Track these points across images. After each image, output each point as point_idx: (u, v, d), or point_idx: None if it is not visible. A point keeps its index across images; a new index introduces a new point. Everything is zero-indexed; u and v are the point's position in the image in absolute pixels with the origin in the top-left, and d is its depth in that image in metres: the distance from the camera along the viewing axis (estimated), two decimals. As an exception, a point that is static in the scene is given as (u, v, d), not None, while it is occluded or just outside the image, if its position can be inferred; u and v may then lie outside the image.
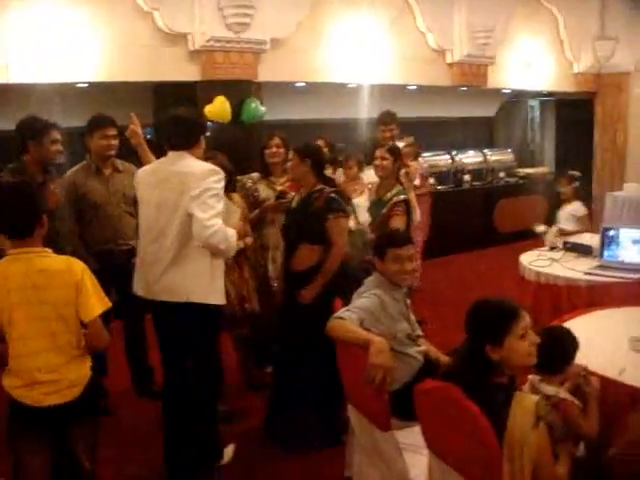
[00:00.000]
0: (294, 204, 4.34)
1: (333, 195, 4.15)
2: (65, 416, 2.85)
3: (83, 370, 2.90)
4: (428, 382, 2.61)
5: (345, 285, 3.98)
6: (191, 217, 3.47)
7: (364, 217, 5.00)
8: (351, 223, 4.55)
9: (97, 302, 2.87)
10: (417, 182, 6.33)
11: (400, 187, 4.96)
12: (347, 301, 3.50)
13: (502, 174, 10.63)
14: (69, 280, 2.81)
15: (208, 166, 3.63)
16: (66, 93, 6.44)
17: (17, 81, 5.89)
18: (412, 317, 3.52)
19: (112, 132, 4.70)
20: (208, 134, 3.96)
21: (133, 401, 4.93)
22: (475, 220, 9.72)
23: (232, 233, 3.62)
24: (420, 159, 6.35)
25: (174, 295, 3.59)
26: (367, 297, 3.29)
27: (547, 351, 2.78)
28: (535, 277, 5.16)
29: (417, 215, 5.35)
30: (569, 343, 2.98)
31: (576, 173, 7.25)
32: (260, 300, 4.79)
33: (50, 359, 2.80)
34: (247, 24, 6.75)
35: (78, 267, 2.87)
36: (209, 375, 3.88)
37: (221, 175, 3.60)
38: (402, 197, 4.82)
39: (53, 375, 2.79)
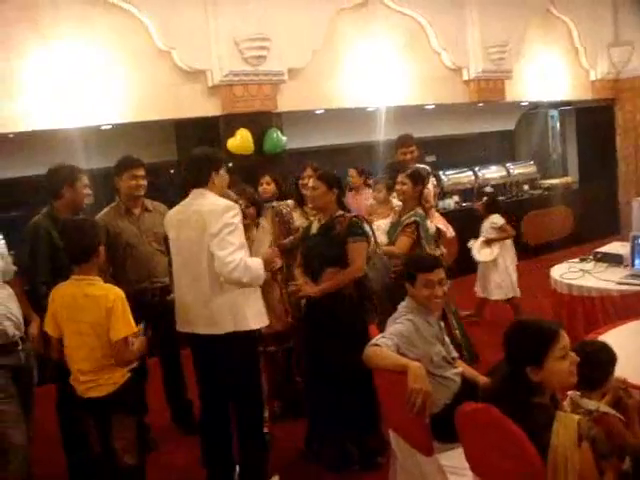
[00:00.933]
0: (314, 230, 4.39)
1: (355, 219, 4.26)
2: (105, 408, 3.45)
3: (117, 374, 3.45)
4: (468, 404, 2.62)
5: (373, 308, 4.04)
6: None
7: (382, 239, 5.05)
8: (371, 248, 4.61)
9: (123, 326, 3.37)
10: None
11: (420, 210, 5.08)
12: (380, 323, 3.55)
13: (526, 187, 10.60)
14: (103, 305, 3.35)
15: (224, 203, 3.73)
16: (90, 136, 6.58)
17: (38, 128, 6.03)
18: (447, 340, 3.53)
19: (140, 172, 4.78)
20: (230, 165, 4.00)
21: (174, 437, 4.96)
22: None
23: (257, 263, 3.72)
24: (431, 184, 6.38)
25: (218, 327, 3.71)
26: (401, 322, 3.31)
27: (585, 366, 2.78)
28: (567, 290, 5.13)
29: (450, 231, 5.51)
30: (606, 357, 2.97)
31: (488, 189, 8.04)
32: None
33: (86, 366, 3.43)
34: (264, 57, 6.85)
35: (113, 295, 3.39)
36: (258, 402, 4.00)
37: (236, 210, 3.71)
38: (413, 219, 4.96)
39: (89, 376, 3.43)
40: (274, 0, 6.92)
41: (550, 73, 10.05)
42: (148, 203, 4.91)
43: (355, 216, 4.32)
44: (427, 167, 6.91)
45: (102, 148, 6.79)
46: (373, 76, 7.98)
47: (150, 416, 4.61)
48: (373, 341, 3.20)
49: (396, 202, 5.60)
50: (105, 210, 4.86)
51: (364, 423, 4.11)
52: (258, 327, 3.84)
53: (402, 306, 3.45)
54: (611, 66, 10.63)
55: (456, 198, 9.58)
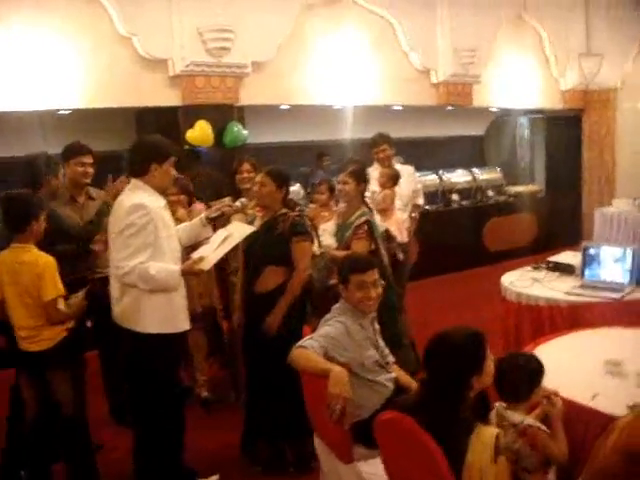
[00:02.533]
0: (256, 227, 4.28)
1: (298, 219, 4.19)
2: (44, 361, 3.78)
3: (55, 331, 3.79)
4: (385, 413, 2.56)
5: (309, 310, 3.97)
6: None
7: (330, 242, 4.93)
8: (314, 247, 4.52)
9: (52, 289, 3.72)
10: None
11: (365, 209, 4.91)
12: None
13: (491, 193, 10.58)
14: (34, 270, 3.72)
15: (133, 201, 3.55)
16: (47, 120, 6.45)
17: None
18: (381, 343, 3.44)
19: (88, 160, 4.69)
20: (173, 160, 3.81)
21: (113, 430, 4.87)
22: (465, 239, 9.63)
23: (166, 272, 3.56)
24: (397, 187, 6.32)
25: (130, 323, 3.66)
26: (331, 325, 3.23)
27: (511, 378, 2.74)
28: (516, 298, 5.06)
29: (403, 236, 5.53)
30: (533, 369, 2.91)
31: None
32: None
33: (26, 322, 3.77)
34: (227, 48, 6.75)
35: (42, 261, 3.75)
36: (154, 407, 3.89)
37: (145, 210, 3.50)
38: (363, 219, 4.78)
39: (30, 332, 3.77)
40: (240, -9, 6.84)
41: (520, 80, 10.04)
42: (92, 191, 4.80)
43: (298, 215, 4.23)
44: (409, 167, 6.88)
45: (60, 133, 6.63)
46: (340, 74, 7.91)
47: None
48: (300, 342, 3.12)
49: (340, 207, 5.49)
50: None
51: (299, 426, 4.01)
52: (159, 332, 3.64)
53: (335, 308, 3.37)
54: (581, 76, 10.64)
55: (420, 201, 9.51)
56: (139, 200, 3.53)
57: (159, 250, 3.55)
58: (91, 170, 4.73)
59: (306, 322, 3.93)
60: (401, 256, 5.87)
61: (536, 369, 2.90)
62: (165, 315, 3.64)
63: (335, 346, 3.13)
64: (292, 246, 4.11)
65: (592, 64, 10.41)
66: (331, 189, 5.44)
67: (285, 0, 7.24)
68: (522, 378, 2.84)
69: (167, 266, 3.58)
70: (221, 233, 3.91)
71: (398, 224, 5.99)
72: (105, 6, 6.31)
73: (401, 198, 6.36)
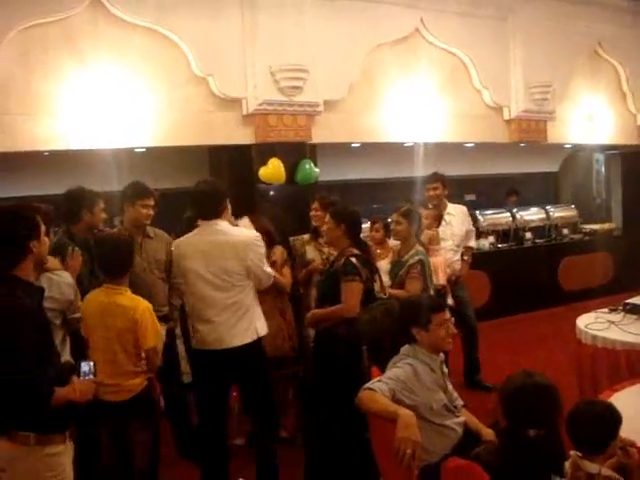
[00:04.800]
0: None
1: (351, 258, 4.20)
2: (124, 412, 3.73)
3: (136, 382, 3.75)
4: (453, 459, 2.50)
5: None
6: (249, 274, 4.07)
7: (384, 279, 4.89)
8: (376, 288, 4.50)
9: (152, 336, 3.71)
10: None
11: (419, 248, 4.94)
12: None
13: (566, 231, 10.35)
14: (131, 315, 3.68)
15: (252, 233, 4.23)
16: (124, 158, 6.63)
17: (77, 147, 6.09)
18: (450, 387, 3.39)
19: (152, 202, 4.88)
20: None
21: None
22: (538, 279, 9.42)
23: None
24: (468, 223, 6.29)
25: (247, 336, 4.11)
26: (400, 367, 3.20)
27: (588, 428, 2.64)
28: (592, 341, 4.92)
29: (438, 278, 5.35)
30: (611, 419, 2.79)
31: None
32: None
33: (109, 369, 3.63)
34: (300, 87, 6.83)
35: (142, 306, 3.73)
36: None
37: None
38: (417, 258, 4.81)
39: (110, 380, 3.62)
40: (312, 30, 6.92)
41: (595, 116, 9.83)
42: (150, 230, 4.94)
43: (354, 254, 4.22)
44: (463, 206, 6.82)
45: (135, 170, 6.82)
46: (412, 111, 7.89)
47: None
48: (368, 384, 3.10)
49: (392, 242, 5.47)
50: None
51: (366, 471, 3.95)
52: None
53: (403, 349, 3.34)
54: (658, 112, 10.38)
55: (492, 239, 9.40)
56: (252, 232, 4.24)
57: None
58: (152, 212, 4.90)
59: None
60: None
61: (614, 420, 2.78)
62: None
63: (403, 389, 3.10)
64: (341, 286, 4.14)
65: (670, 99, 10.14)
66: (386, 227, 5.46)
67: (356, 39, 7.31)
68: (599, 429, 2.73)
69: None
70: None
71: (441, 266, 5.88)
72: (181, 47, 6.48)
73: (453, 238, 6.33)
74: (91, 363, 3.10)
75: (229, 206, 4.21)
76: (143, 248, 4.82)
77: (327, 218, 4.34)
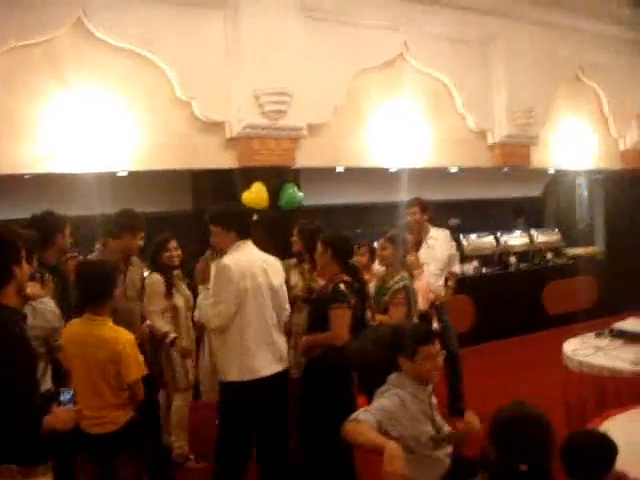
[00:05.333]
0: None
1: (340, 285, 4.19)
2: (109, 445, 3.60)
3: (120, 413, 3.63)
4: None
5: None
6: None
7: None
8: (368, 314, 4.45)
9: (135, 368, 3.59)
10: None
11: (405, 274, 4.90)
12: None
13: (550, 255, 10.37)
14: (113, 347, 3.55)
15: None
16: (107, 181, 6.56)
17: (59, 171, 6.05)
18: (438, 417, 3.31)
19: (142, 234, 4.81)
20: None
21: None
22: (523, 303, 9.39)
23: None
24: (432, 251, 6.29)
25: (285, 363, 4.27)
26: (387, 397, 3.12)
27: (583, 459, 2.58)
28: (578, 367, 4.88)
29: (420, 304, 5.26)
30: (607, 450, 2.72)
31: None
32: None
33: (91, 401, 3.53)
34: (283, 111, 6.81)
35: (123, 338, 3.61)
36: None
37: None
38: (402, 284, 4.75)
39: (93, 413, 3.51)
40: (296, 54, 6.93)
41: (578, 140, 9.89)
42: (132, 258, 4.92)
43: (343, 281, 4.20)
44: (446, 230, 6.78)
45: (117, 194, 6.76)
46: (396, 136, 7.89)
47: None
48: (354, 415, 3.01)
49: (377, 267, 5.43)
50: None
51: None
52: None
53: (390, 379, 3.26)
54: (640, 136, 10.48)
55: (475, 263, 9.38)
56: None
57: None
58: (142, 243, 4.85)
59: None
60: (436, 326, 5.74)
61: (610, 451, 2.72)
62: None
63: (390, 420, 3.02)
64: (329, 313, 4.11)
65: (652, 124, 10.25)
66: (372, 251, 5.42)
67: (340, 63, 7.31)
68: (595, 460, 2.67)
69: None
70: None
71: (422, 291, 5.83)
72: (164, 71, 6.46)
73: (436, 263, 6.26)
74: (72, 391, 3.04)
75: None
76: (127, 276, 4.76)
77: (318, 244, 4.32)
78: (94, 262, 4.12)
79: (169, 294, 5.06)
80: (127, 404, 3.68)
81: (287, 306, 4.37)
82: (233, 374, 4.06)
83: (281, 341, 4.24)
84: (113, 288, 3.71)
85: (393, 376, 3.29)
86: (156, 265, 5.13)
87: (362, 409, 3.10)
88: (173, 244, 5.23)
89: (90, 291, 3.67)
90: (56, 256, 4.44)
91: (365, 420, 2.94)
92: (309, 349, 4.29)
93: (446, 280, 6.48)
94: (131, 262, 4.84)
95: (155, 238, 5.21)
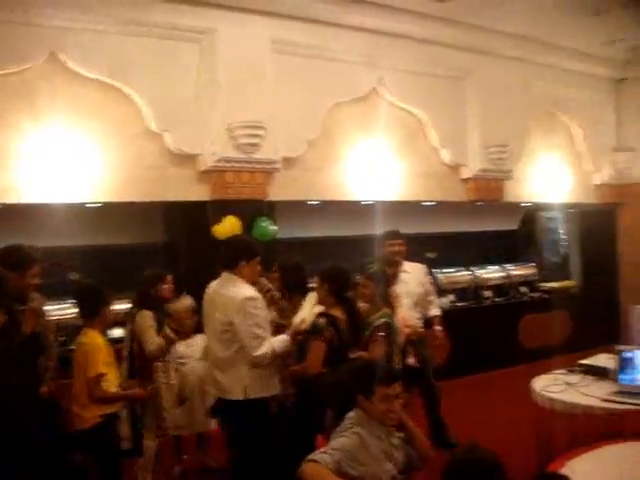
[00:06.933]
0: None
1: (319, 319, 4.32)
2: (84, 440, 4.26)
3: (92, 413, 4.25)
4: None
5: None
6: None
7: None
8: None
9: (96, 365, 4.23)
10: None
11: (387, 310, 4.86)
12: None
13: (525, 289, 10.36)
14: (84, 349, 4.30)
15: (245, 293, 4.37)
16: (77, 213, 6.49)
17: (27, 201, 5.98)
18: (399, 458, 3.23)
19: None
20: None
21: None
22: (498, 337, 9.35)
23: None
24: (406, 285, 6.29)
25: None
26: (347, 436, 3.04)
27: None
28: (549, 404, 4.83)
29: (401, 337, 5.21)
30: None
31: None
32: None
33: (76, 399, 4.31)
34: (257, 145, 6.79)
35: (94, 340, 4.36)
36: None
37: (256, 300, 4.44)
38: (383, 320, 4.70)
39: (76, 410, 4.28)
40: (271, 87, 6.95)
41: (552, 175, 9.96)
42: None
43: (323, 314, 4.28)
44: (420, 265, 6.76)
45: (88, 226, 6.73)
46: (370, 169, 7.90)
47: None
48: (312, 455, 2.93)
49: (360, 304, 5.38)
50: None
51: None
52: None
53: (349, 417, 3.19)
54: (614, 171, 10.57)
55: (451, 297, 9.36)
56: (245, 293, 4.37)
57: None
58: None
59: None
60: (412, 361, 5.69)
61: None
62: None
63: (350, 459, 2.94)
64: (308, 344, 4.27)
65: (625, 158, 10.36)
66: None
67: (315, 97, 7.33)
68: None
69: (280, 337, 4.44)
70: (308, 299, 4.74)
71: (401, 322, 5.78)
72: (137, 103, 6.43)
73: (410, 296, 6.22)
74: None
75: (255, 266, 4.56)
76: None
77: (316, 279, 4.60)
78: (86, 283, 5.19)
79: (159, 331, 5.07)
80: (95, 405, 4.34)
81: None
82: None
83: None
84: (102, 306, 4.53)
85: (352, 414, 3.21)
86: (146, 300, 5.22)
87: (321, 449, 3.02)
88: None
89: (83, 309, 4.61)
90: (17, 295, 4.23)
91: (323, 461, 2.86)
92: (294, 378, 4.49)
93: (431, 324, 6.45)
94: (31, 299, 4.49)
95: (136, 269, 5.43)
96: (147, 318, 5.09)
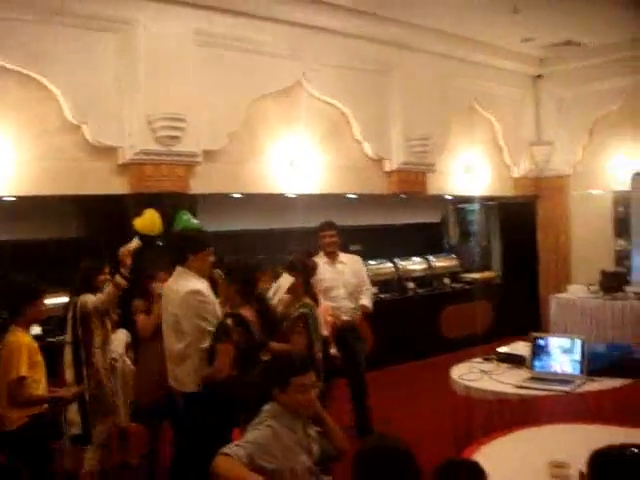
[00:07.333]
0: None
1: (225, 319, 4.26)
2: (10, 442, 4.07)
3: (17, 414, 4.05)
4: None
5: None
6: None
7: None
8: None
9: (20, 368, 4.02)
10: None
11: (307, 301, 4.90)
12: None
13: (447, 280, 10.56)
14: (10, 349, 4.09)
15: (190, 287, 4.32)
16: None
17: None
18: (315, 449, 3.24)
19: None
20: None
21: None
22: (421, 328, 9.52)
23: None
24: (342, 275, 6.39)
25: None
26: (260, 429, 3.02)
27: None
28: (465, 391, 4.93)
29: (323, 329, 5.25)
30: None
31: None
32: None
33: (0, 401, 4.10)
34: (178, 137, 6.71)
35: (19, 341, 4.12)
36: None
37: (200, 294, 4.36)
38: (300, 311, 4.75)
39: (1, 411, 4.08)
40: (193, 80, 6.87)
41: (474, 168, 10.16)
42: None
43: (230, 314, 4.26)
44: (356, 256, 6.84)
45: (4, 220, 6.55)
46: (293, 162, 7.90)
47: None
48: (224, 449, 2.91)
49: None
50: None
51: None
52: None
53: (265, 410, 3.17)
54: (533, 164, 10.87)
55: (375, 289, 9.42)
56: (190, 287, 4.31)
57: None
58: None
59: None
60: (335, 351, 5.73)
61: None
62: None
63: (263, 452, 2.93)
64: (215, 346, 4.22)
65: (543, 152, 10.66)
66: (276, 277, 5.37)
67: (237, 89, 7.28)
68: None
69: None
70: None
71: (325, 313, 5.82)
72: (55, 94, 6.27)
73: (345, 286, 6.32)
74: None
75: (205, 258, 4.48)
76: None
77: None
78: (13, 279, 4.74)
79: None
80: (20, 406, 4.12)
81: None
82: None
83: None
84: (25, 304, 4.29)
85: (267, 407, 3.20)
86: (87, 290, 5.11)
87: (234, 442, 3.01)
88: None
89: (8, 306, 4.37)
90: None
91: (235, 454, 2.84)
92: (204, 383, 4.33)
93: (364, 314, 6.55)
94: None
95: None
96: (90, 298, 5.01)
